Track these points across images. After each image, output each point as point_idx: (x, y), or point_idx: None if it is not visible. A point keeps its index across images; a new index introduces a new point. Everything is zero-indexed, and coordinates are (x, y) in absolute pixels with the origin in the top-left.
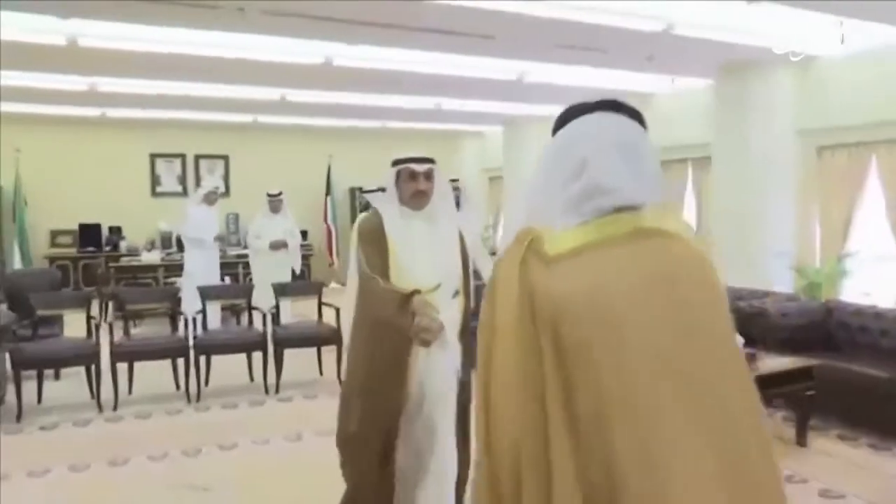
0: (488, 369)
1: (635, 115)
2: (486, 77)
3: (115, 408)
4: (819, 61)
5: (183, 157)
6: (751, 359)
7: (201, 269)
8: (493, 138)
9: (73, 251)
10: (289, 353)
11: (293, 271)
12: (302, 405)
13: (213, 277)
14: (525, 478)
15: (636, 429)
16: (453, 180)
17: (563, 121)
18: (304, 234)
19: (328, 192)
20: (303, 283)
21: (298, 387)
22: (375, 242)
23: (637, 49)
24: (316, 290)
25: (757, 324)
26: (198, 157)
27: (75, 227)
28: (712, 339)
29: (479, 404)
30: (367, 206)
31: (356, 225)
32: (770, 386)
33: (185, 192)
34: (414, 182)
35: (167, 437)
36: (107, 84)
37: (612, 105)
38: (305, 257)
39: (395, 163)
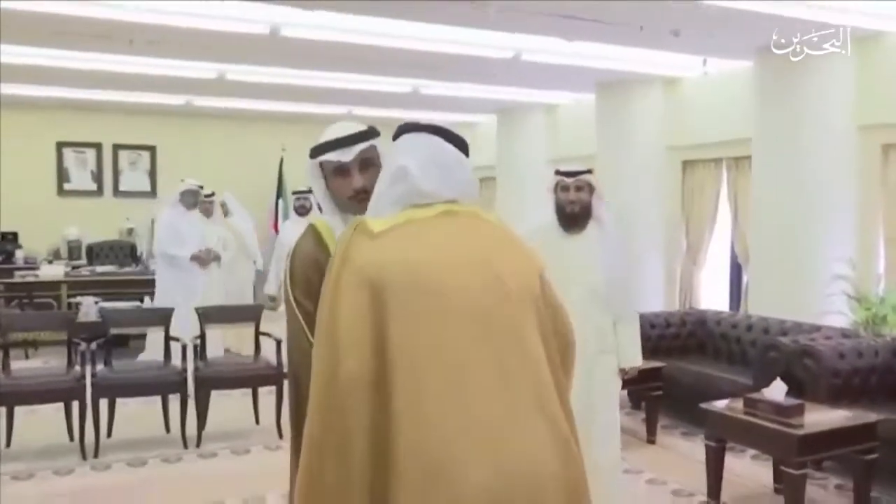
0: (332, 321)
1: (455, 140)
2: (475, 54)
3: None
4: (887, 38)
5: (98, 146)
6: (796, 411)
7: (180, 290)
8: (485, 130)
9: None
10: (216, 396)
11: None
12: (229, 463)
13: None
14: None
15: (446, 376)
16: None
17: (400, 132)
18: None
19: (280, 193)
20: (235, 307)
21: (226, 439)
22: (313, 290)
23: (660, 22)
24: (253, 315)
25: (804, 366)
26: (117, 148)
27: None
28: (516, 314)
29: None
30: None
31: (287, 259)
32: (820, 447)
33: (100, 191)
34: (346, 177)
35: (62, 502)
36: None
37: (435, 129)
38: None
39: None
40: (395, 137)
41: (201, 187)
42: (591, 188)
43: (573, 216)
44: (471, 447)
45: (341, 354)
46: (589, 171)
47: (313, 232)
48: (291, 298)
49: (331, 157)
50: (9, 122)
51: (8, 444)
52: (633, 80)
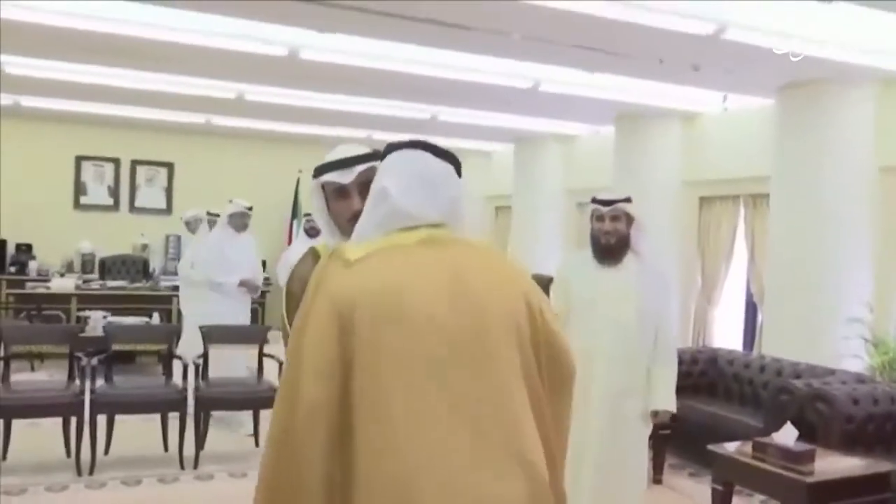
0: (298, 348)
1: (444, 155)
2: (493, 83)
3: None
4: None
5: (116, 161)
6: (806, 457)
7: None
8: (502, 159)
9: None
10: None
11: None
12: (225, 486)
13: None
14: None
15: (411, 409)
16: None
17: (388, 151)
18: (262, 264)
19: (294, 214)
20: (239, 328)
21: (224, 461)
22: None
23: (679, 56)
24: (258, 336)
25: (817, 411)
26: (135, 164)
27: None
28: (494, 346)
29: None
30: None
31: (286, 283)
32: (830, 496)
33: (116, 205)
34: (346, 199)
35: None
36: (19, 65)
37: (423, 145)
38: (261, 294)
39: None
40: (382, 158)
41: (250, 208)
42: (629, 218)
43: (608, 248)
44: (433, 485)
45: (303, 381)
46: (627, 200)
47: (313, 255)
48: (286, 323)
49: (331, 177)
50: (29, 135)
51: (4, 457)
52: (652, 113)
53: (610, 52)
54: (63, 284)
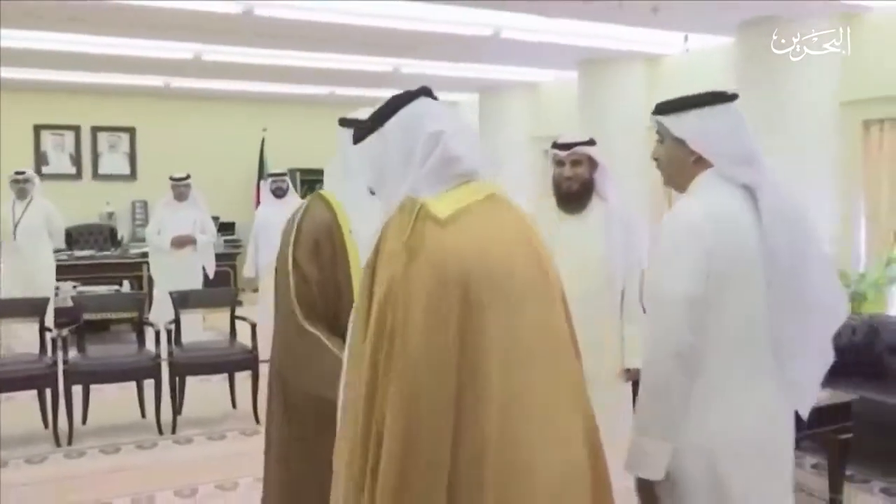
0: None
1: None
2: (454, 32)
3: None
4: (871, 13)
5: (77, 129)
6: None
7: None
8: (467, 110)
9: None
10: (193, 381)
11: (205, 275)
12: (205, 449)
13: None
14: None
15: (526, 379)
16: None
17: (393, 109)
18: (230, 226)
19: (261, 175)
20: (210, 292)
21: (202, 424)
22: (320, 255)
23: None
24: (228, 299)
25: None
26: (95, 130)
27: None
28: (558, 302)
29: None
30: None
31: (291, 223)
32: (796, 425)
33: (78, 174)
34: None
35: (26, 489)
36: None
37: (430, 93)
38: (230, 256)
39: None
40: (386, 117)
41: (185, 178)
42: (592, 162)
43: (570, 194)
44: (545, 466)
45: (421, 373)
46: (589, 143)
47: (322, 201)
48: (289, 261)
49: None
50: None
51: None
52: (614, 57)
53: None
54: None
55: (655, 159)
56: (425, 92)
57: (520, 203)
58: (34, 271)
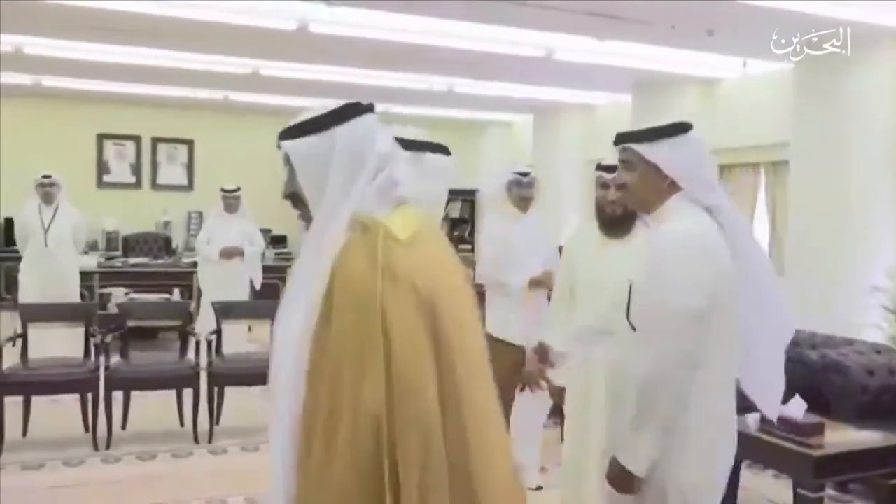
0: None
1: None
2: (507, 52)
3: None
4: None
5: (138, 139)
6: (816, 430)
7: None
8: (522, 130)
9: None
10: (232, 392)
11: (252, 287)
12: (238, 459)
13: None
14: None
15: (473, 409)
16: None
17: (345, 117)
18: (282, 239)
19: None
20: (254, 303)
21: (239, 435)
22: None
23: (692, 21)
24: (271, 311)
25: (831, 382)
26: (155, 141)
27: None
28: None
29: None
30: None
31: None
32: (842, 469)
33: (138, 183)
34: None
35: (61, 491)
36: (39, 45)
37: (371, 107)
38: (280, 269)
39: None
40: (333, 123)
41: (235, 190)
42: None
43: (613, 219)
44: (489, 480)
45: (425, 399)
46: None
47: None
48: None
49: None
50: (51, 114)
51: (24, 433)
52: (670, 81)
53: (621, 19)
54: (86, 262)
55: (621, 184)
56: (372, 109)
57: (573, 223)
58: (62, 278)
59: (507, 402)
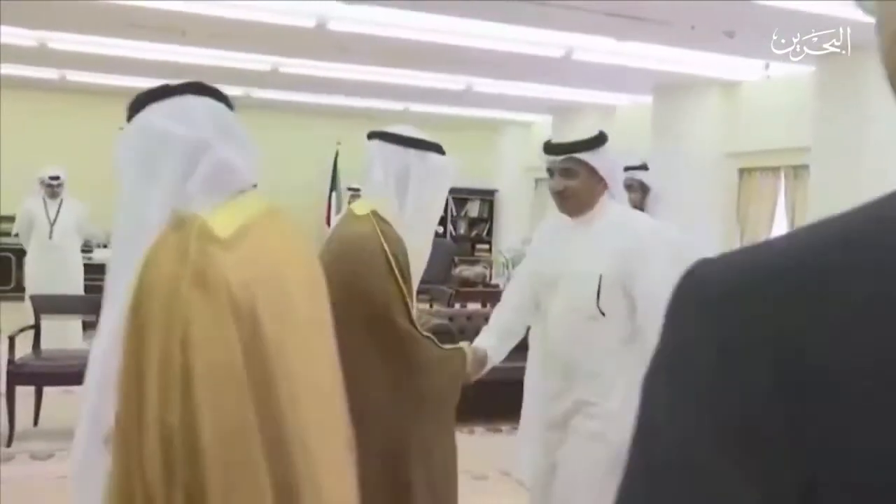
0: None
1: (222, 98)
2: (525, 52)
3: None
4: None
5: None
6: None
7: None
8: (541, 130)
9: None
10: None
11: None
12: None
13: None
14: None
15: (298, 427)
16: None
17: (142, 104)
18: None
19: (333, 187)
20: None
21: None
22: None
23: (712, 22)
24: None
25: None
26: None
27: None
28: (326, 325)
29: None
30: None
31: (383, 243)
32: None
33: None
34: None
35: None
36: (64, 41)
37: (199, 88)
38: None
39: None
40: (135, 111)
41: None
42: (643, 187)
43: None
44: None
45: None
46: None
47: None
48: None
49: None
50: (74, 108)
51: (35, 423)
52: (691, 83)
53: (640, 19)
54: (105, 256)
55: (560, 191)
56: (194, 88)
57: None
58: (67, 270)
59: None
